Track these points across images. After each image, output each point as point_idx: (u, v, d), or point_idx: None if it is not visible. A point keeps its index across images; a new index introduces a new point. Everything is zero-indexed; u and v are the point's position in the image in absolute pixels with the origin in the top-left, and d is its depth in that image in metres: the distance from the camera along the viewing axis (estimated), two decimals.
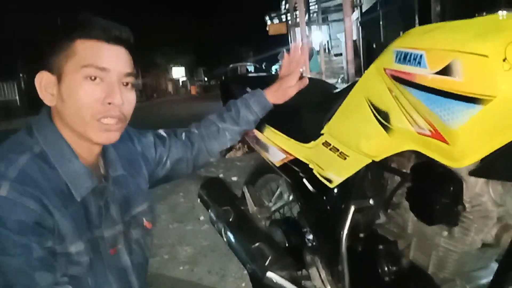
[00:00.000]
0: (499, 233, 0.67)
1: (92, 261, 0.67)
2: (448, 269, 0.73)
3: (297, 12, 9.69)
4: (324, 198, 0.92)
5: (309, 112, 1.00)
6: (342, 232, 0.81)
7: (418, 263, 0.79)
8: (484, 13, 0.67)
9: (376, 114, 0.76)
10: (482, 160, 0.62)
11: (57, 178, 0.65)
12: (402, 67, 0.69)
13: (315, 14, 10.85)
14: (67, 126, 0.68)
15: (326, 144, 0.90)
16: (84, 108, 0.65)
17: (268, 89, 1.01)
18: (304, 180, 0.96)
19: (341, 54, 11.64)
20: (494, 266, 0.76)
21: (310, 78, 1.07)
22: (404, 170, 0.79)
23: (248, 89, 1.18)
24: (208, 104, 11.12)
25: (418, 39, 0.71)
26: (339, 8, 10.88)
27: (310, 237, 1.04)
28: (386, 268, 0.78)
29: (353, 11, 9.74)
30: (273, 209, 1.15)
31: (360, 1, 11.20)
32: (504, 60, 0.56)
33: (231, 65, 17.23)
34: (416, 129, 0.68)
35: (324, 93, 1.06)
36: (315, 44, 10.25)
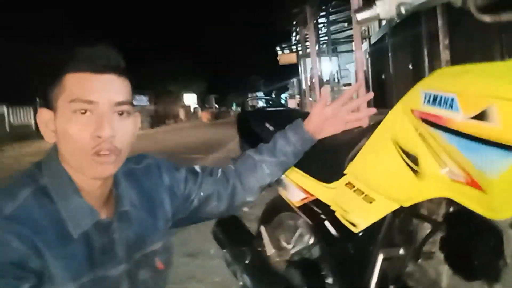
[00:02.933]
0: None
1: None
2: None
3: (308, 43, 9.93)
4: (348, 243, 0.87)
5: (331, 149, 0.97)
6: (370, 282, 0.75)
7: None
8: None
9: (404, 157, 0.73)
10: None
11: (57, 214, 0.64)
12: (432, 110, 0.67)
13: (325, 45, 11.08)
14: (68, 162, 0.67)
15: (350, 185, 0.87)
16: (76, 143, 0.64)
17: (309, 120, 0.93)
18: (326, 222, 0.92)
19: (350, 84, 11.79)
20: None
21: None
22: (435, 217, 0.74)
23: (267, 124, 1.16)
24: (219, 131, 11.15)
25: (447, 81, 0.69)
26: (348, 39, 11.13)
27: (331, 283, 0.98)
28: None
29: (362, 42, 9.96)
30: (292, 251, 1.10)
31: (368, 33, 11.45)
32: None
33: (248, 98, 17.98)
34: (449, 175, 0.65)
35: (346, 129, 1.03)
36: (325, 74, 10.40)
